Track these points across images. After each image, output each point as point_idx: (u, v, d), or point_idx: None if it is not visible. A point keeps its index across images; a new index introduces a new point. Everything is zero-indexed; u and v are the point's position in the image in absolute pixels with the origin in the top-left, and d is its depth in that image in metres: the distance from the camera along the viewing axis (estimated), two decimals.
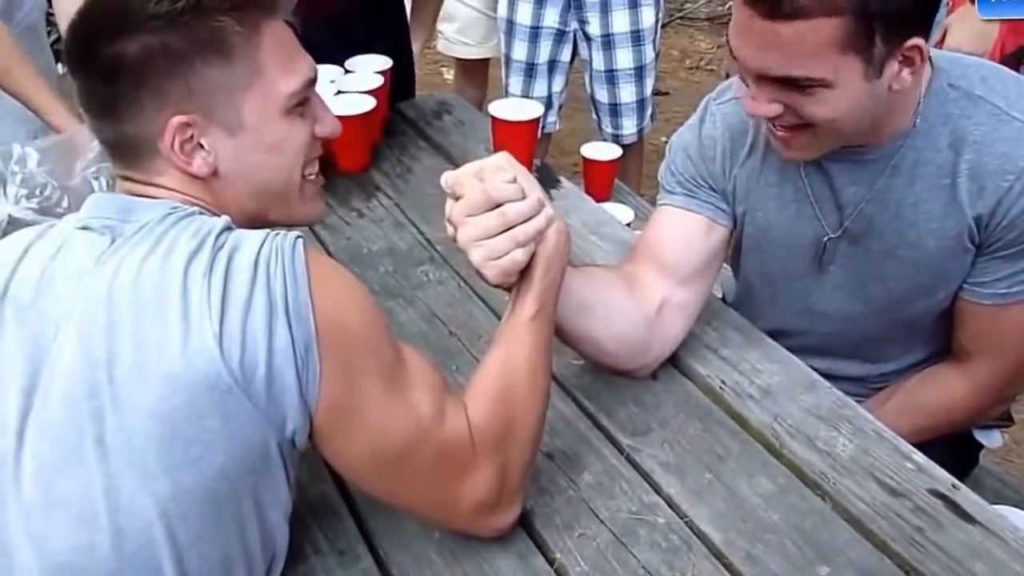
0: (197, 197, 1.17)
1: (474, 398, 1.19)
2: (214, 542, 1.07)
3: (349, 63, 2.34)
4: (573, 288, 1.38)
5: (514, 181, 1.18)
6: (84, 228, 1.13)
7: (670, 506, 1.34)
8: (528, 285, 1.22)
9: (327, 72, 2.30)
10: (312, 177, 1.26)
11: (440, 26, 3.59)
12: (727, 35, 1.36)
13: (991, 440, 1.76)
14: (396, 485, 1.18)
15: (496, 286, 1.23)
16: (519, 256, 1.18)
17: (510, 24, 3.17)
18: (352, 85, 2.26)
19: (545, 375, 1.24)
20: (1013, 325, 1.51)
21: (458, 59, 3.69)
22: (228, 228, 1.11)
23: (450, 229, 1.21)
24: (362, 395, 1.10)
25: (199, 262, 1.05)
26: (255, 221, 1.19)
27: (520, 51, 3.18)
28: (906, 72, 1.33)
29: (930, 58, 1.40)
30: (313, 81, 1.22)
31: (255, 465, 1.07)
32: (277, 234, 1.10)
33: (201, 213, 1.14)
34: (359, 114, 2.15)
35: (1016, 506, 1.51)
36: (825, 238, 1.54)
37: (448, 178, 1.21)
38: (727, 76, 5.41)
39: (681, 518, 1.32)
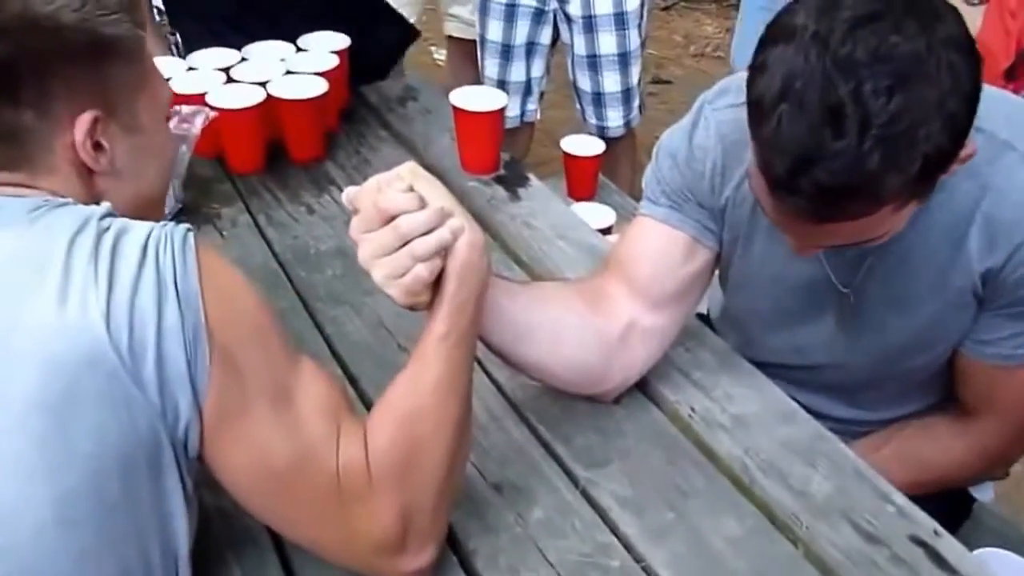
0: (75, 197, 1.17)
1: (375, 425, 1.17)
2: (111, 553, 1.05)
3: (302, 40, 2.32)
4: (516, 310, 1.36)
5: (410, 190, 1.16)
6: None
7: (626, 548, 1.32)
8: (439, 304, 1.19)
9: (276, 50, 2.29)
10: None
11: (452, 9, 3.58)
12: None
13: (984, 494, 1.75)
14: (284, 512, 1.16)
15: (408, 308, 1.20)
16: (421, 272, 1.15)
17: (484, 1, 3.15)
18: (303, 65, 2.23)
19: (459, 403, 1.21)
20: (1018, 388, 1.49)
21: (458, 39, 3.67)
22: (111, 214, 1.11)
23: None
24: (250, 399, 1.09)
25: (83, 241, 1.04)
26: None
27: (495, 31, 3.16)
28: (955, 165, 1.26)
29: None
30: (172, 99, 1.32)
31: (149, 466, 1.05)
32: (165, 224, 1.09)
33: (75, 204, 1.13)
34: (309, 98, 2.13)
35: (1014, 546, 1.50)
36: (835, 292, 1.51)
37: (348, 193, 1.20)
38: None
39: (637, 562, 1.30)
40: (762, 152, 1.20)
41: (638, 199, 2.94)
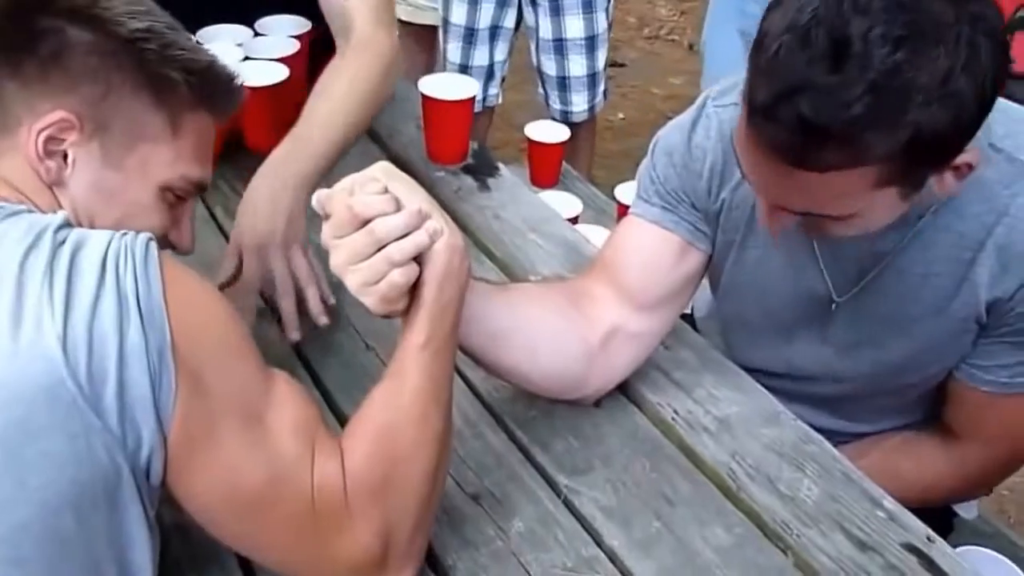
0: (33, 194, 1.10)
1: (351, 442, 1.10)
2: None
3: (260, 24, 2.21)
4: (490, 313, 1.29)
5: (385, 191, 1.08)
6: None
7: (612, 560, 1.26)
8: (416, 311, 1.12)
9: (234, 33, 2.18)
10: None
11: None
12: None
13: (968, 512, 1.70)
14: (256, 538, 1.09)
15: (383, 316, 1.12)
16: (397, 279, 1.07)
17: None
18: (262, 51, 2.13)
19: (439, 415, 1.14)
20: (1009, 416, 1.43)
21: (409, 23, 3.58)
22: (67, 224, 1.03)
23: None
24: (218, 423, 1.01)
25: (37, 258, 0.97)
26: None
27: (459, 14, 3.09)
28: (950, 177, 1.20)
29: None
30: (203, 188, 1.28)
31: (107, 497, 0.98)
32: (125, 233, 1.02)
33: (30, 211, 1.06)
34: (268, 85, 2.03)
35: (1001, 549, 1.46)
36: (830, 303, 1.45)
37: (319, 196, 1.11)
38: (691, 47, 5.36)
39: (624, 575, 1.24)
40: (752, 79, 1.13)
41: (598, 185, 2.91)
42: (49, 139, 1.10)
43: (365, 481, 1.08)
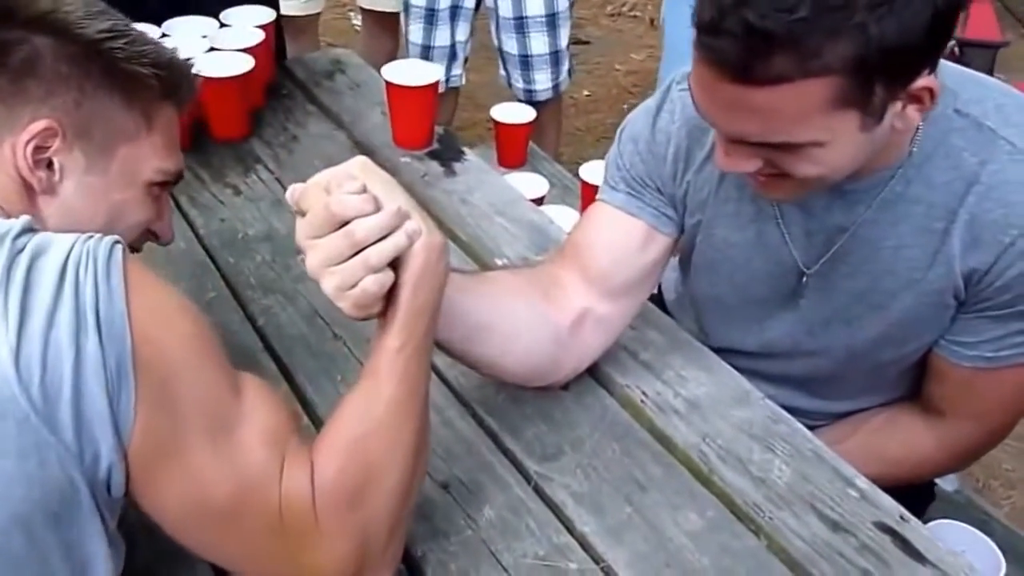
0: (11, 208, 1.06)
1: (323, 452, 1.04)
2: None
3: (225, 15, 2.17)
4: (466, 308, 1.24)
5: (364, 191, 1.02)
6: None
7: (584, 548, 1.22)
8: (392, 312, 1.06)
9: (199, 25, 2.13)
10: None
11: None
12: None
13: (949, 484, 1.68)
14: (225, 549, 1.04)
15: (359, 319, 1.06)
16: (369, 285, 1.01)
17: None
18: (227, 41, 2.08)
19: (415, 422, 1.08)
20: (994, 390, 1.40)
21: (371, 10, 3.53)
22: (30, 229, 0.97)
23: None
24: (182, 434, 0.96)
25: None
26: None
27: None
28: (912, 110, 1.16)
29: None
30: (181, 177, 1.26)
31: (62, 514, 0.93)
32: (90, 237, 0.96)
33: None
34: (235, 76, 1.98)
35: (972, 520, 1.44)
36: (797, 274, 1.40)
37: (293, 191, 1.05)
38: (652, 22, 5.32)
39: (597, 563, 1.21)
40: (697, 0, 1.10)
41: (563, 163, 2.87)
42: (36, 149, 1.07)
43: (335, 496, 1.02)
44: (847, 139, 1.15)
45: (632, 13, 5.36)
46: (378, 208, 1.01)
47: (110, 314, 0.92)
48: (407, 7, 3.08)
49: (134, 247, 1.19)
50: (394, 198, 1.03)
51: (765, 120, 1.13)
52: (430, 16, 3.05)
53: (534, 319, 1.37)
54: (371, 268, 1.00)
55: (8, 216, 1.01)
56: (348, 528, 1.03)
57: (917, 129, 1.26)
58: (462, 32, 3.10)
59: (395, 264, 1.04)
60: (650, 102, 1.45)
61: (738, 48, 1.07)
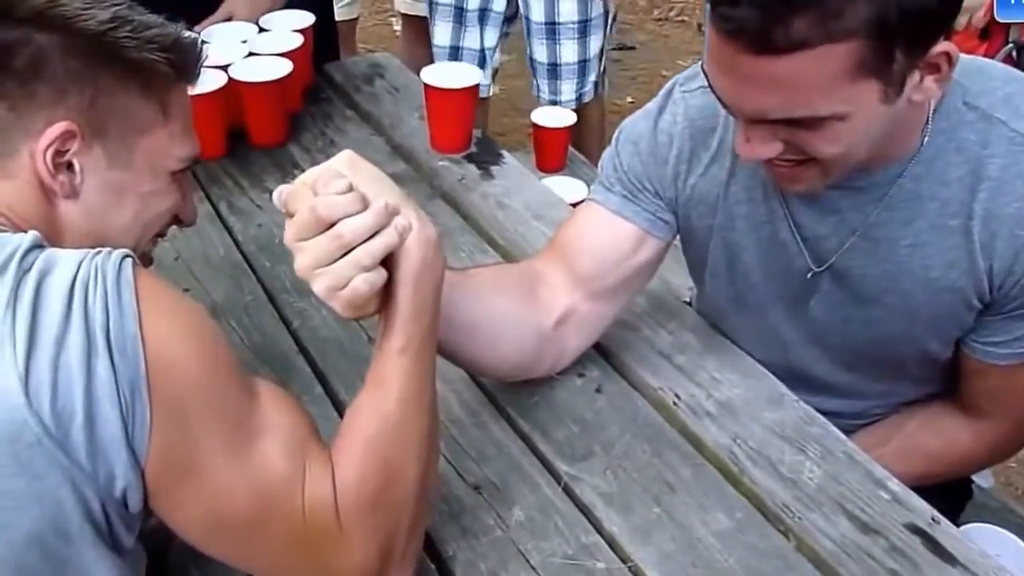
0: (27, 215, 1.04)
1: (341, 457, 1.04)
2: None
3: (264, 20, 2.19)
4: (459, 306, 1.24)
5: (350, 189, 1.00)
6: None
7: (612, 547, 1.23)
8: (392, 313, 1.05)
9: (238, 31, 2.16)
10: (149, 250, 1.21)
11: None
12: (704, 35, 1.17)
13: (985, 480, 1.67)
14: (250, 558, 1.05)
15: (353, 319, 1.06)
16: (360, 285, 0.99)
17: None
18: (266, 46, 2.11)
19: (426, 416, 1.08)
20: None
21: (407, 15, 3.55)
22: (38, 246, 0.96)
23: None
24: (200, 451, 0.96)
25: (2, 285, 0.91)
26: None
27: None
28: (930, 80, 1.14)
29: None
30: (197, 160, 1.21)
31: (74, 531, 0.93)
32: (98, 252, 0.95)
33: (2, 230, 1.00)
34: (273, 80, 2.01)
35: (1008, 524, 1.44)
36: (808, 273, 1.39)
37: (281, 193, 1.04)
38: (700, 28, 5.28)
39: (624, 562, 1.21)
40: None
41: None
42: (56, 154, 1.05)
43: (358, 499, 1.03)
44: (868, 112, 1.14)
45: (679, 18, 5.34)
46: (365, 206, 1.00)
47: (121, 336, 0.91)
48: (432, 5, 3.05)
49: (160, 234, 1.20)
50: (382, 194, 1.02)
51: (788, 92, 1.11)
52: (459, 15, 3.03)
53: (518, 316, 1.38)
54: (361, 268, 1.00)
55: (22, 226, 1.02)
56: (371, 530, 1.03)
57: (927, 123, 1.25)
58: (490, 38, 3.07)
59: (389, 261, 1.03)
60: (651, 105, 1.45)
61: (758, 15, 1.05)
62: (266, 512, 1.00)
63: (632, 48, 4.95)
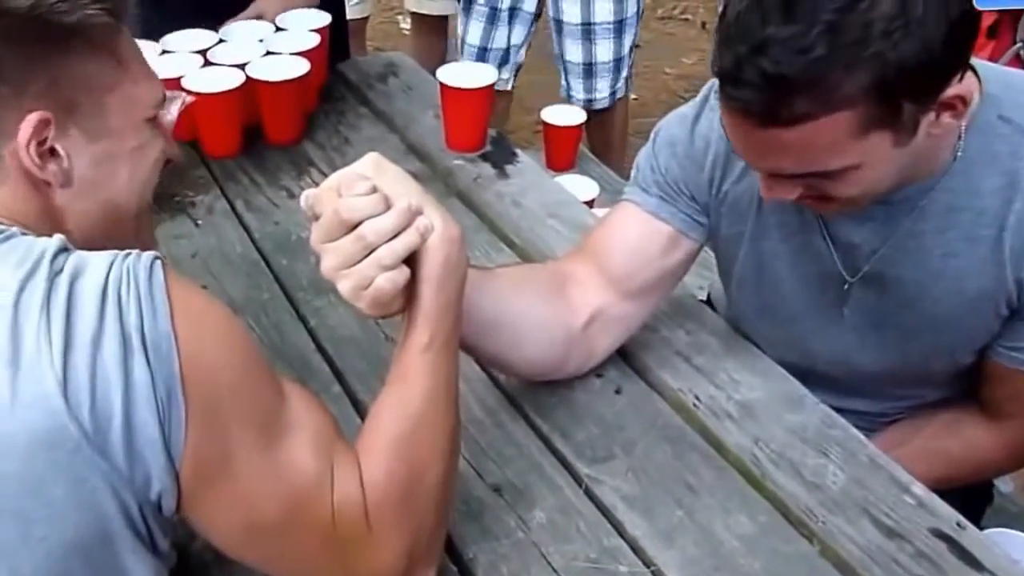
0: (24, 216, 1.01)
1: (368, 456, 1.04)
2: None
3: (281, 19, 2.18)
4: (479, 304, 1.23)
5: (373, 191, 1.02)
6: None
7: (634, 551, 1.22)
8: (416, 310, 1.06)
9: (255, 29, 2.15)
10: (151, 204, 1.16)
11: None
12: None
13: (1006, 485, 1.66)
14: (277, 561, 1.04)
15: (379, 318, 1.07)
16: (383, 284, 1.01)
17: None
18: (283, 45, 2.10)
19: (450, 414, 1.09)
20: None
21: (419, 13, 3.55)
22: (65, 249, 0.95)
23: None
24: (233, 452, 0.95)
25: (33, 292, 0.89)
26: (91, 247, 1.01)
27: None
28: (947, 116, 1.15)
29: (979, 78, 1.23)
30: (164, 99, 1.14)
31: (114, 536, 0.92)
32: (128, 255, 0.94)
33: (24, 234, 0.98)
34: (291, 79, 2.00)
35: None
36: (845, 284, 1.39)
37: (307, 197, 1.05)
38: (703, 26, 5.27)
39: (647, 566, 1.20)
40: (717, 50, 1.11)
41: (611, 166, 2.86)
42: (38, 145, 1.00)
43: (386, 498, 1.02)
44: (883, 157, 1.15)
45: (683, 16, 5.33)
46: (388, 207, 1.01)
47: (156, 337, 0.90)
48: (468, 6, 3.09)
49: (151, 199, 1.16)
50: (404, 193, 1.03)
51: (798, 155, 1.14)
52: (492, 16, 3.06)
53: (544, 316, 1.38)
54: (384, 267, 1.01)
55: (23, 224, 1.00)
56: (398, 530, 1.03)
57: (959, 138, 1.25)
58: (517, 36, 3.11)
59: (413, 260, 1.04)
60: (686, 109, 1.44)
61: (759, 97, 1.08)
62: (295, 514, 0.99)
63: (636, 46, 4.93)
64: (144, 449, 0.90)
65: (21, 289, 0.89)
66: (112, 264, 0.92)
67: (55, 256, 0.92)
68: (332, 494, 1.00)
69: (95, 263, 0.93)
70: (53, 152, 1.01)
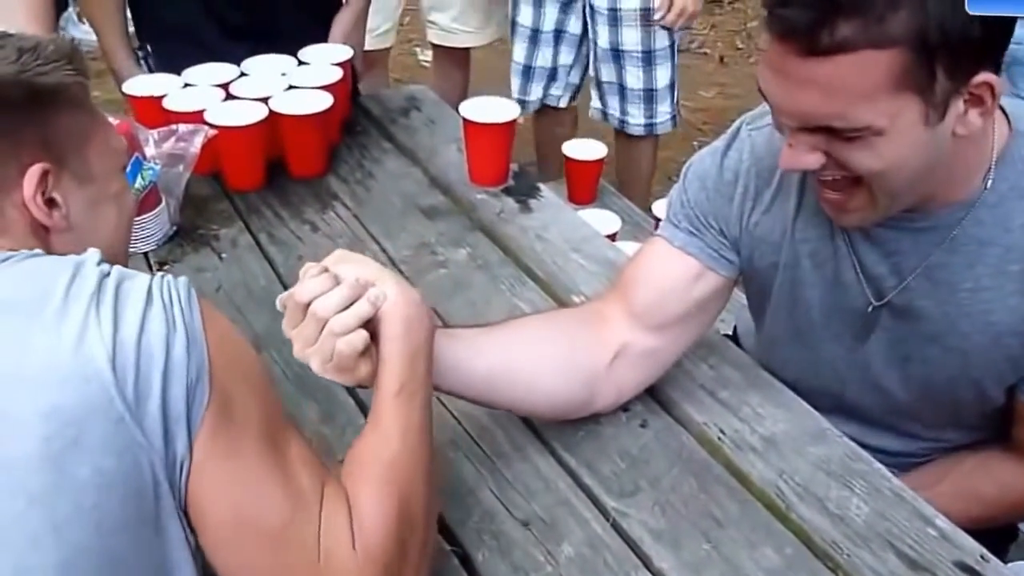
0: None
1: (357, 488, 1.08)
2: None
3: (303, 53, 2.22)
4: (479, 355, 1.32)
5: (323, 272, 1.12)
6: None
7: None
8: (384, 364, 1.13)
9: (278, 64, 2.18)
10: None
11: (431, 16, 3.51)
12: (752, 23, 1.22)
13: None
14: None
15: (357, 387, 1.17)
16: (341, 347, 1.09)
17: None
18: (305, 79, 2.13)
19: (425, 454, 1.14)
20: None
21: (441, 46, 3.58)
22: (105, 260, 1.03)
23: None
24: (240, 447, 1.00)
25: (83, 283, 0.98)
26: None
27: (526, 15, 3.17)
28: (974, 113, 1.17)
29: (1007, 117, 1.26)
30: (127, 149, 1.27)
31: (153, 516, 0.97)
32: (165, 275, 1.03)
33: (44, 255, 1.06)
34: (315, 113, 2.03)
35: None
36: (869, 308, 1.40)
37: (281, 298, 1.14)
38: (721, 60, 5.26)
39: None
40: None
41: (632, 200, 2.87)
42: (49, 199, 1.10)
43: (374, 538, 1.05)
44: (907, 130, 1.16)
45: (701, 50, 5.34)
46: (337, 284, 1.11)
47: (192, 326, 0.99)
48: (513, 26, 3.21)
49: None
50: (358, 272, 1.12)
51: (828, 95, 1.14)
52: (534, 36, 3.17)
53: (564, 356, 1.41)
54: (337, 336, 1.09)
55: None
56: (385, 568, 1.05)
57: (989, 169, 1.26)
58: (565, 56, 3.21)
59: (375, 326, 1.12)
60: (718, 143, 1.47)
61: (806, 16, 1.11)
62: (289, 522, 1.02)
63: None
64: (175, 426, 0.96)
65: (71, 280, 0.98)
66: (153, 277, 1.02)
67: (100, 262, 1.01)
68: (320, 512, 1.03)
69: (138, 275, 1.02)
70: (52, 202, 1.10)
